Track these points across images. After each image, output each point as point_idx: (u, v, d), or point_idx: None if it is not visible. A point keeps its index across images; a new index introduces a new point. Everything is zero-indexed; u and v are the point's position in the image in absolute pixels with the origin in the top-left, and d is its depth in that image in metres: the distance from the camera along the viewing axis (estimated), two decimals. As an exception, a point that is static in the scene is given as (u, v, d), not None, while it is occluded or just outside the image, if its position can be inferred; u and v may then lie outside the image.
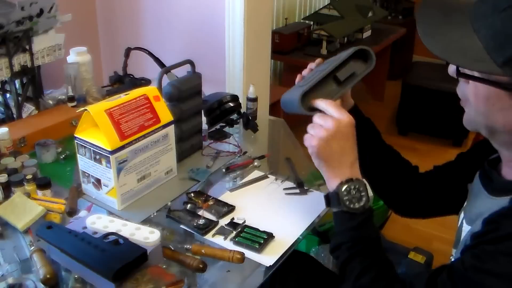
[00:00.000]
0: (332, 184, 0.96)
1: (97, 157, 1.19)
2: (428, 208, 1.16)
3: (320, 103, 0.98)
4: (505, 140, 0.82)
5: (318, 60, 1.13)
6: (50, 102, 1.74)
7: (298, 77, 1.15)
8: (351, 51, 1.02)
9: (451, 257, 1.00)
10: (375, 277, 0.87)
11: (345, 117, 0.94)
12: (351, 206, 0.93)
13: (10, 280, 1.00)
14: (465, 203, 0.98)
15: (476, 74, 0.77)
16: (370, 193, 0.95)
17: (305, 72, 1.14)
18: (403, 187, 1.16)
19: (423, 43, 0.77)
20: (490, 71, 0.73)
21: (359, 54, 1.04)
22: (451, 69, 0.81)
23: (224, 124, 1.69)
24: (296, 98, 1.00)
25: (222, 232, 1.17)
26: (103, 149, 1.17)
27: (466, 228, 0.92)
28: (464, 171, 1.04)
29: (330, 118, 0.94)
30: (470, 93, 0.81)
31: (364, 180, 0.95)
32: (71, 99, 1.74)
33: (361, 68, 1.05)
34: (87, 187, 1.28)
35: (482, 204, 0.87)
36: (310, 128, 0.97)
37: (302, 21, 3.73)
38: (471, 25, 0.75)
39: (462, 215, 0.97)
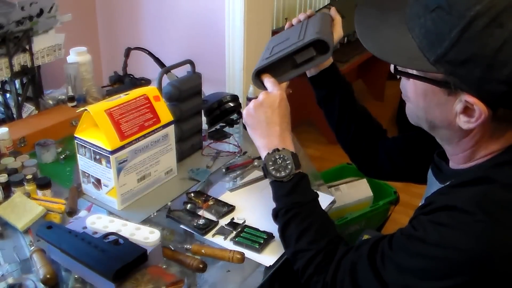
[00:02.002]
0: (262, 155, 1.06)
1: (97, 157, 1.19)
2: (389, 172, 1.24)
3: (265, 80, 1.10)
4: (445, 135, 0.85)
5: (309, 12, 1.24)
6: (50, 102, 1.74)
7: (287, 24, 1.27)
8: (312, 38, 1.07)
9: None
10: (313, 240, 0.95)
11: (274, 91, 1.07)
12: (277, 175, 1.03)
13: (10, 280, 1.00)
14: (424, 192, 1.02)
15: (413, 71, 0.80)
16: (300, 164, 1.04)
17: (294, 21, 1.25)
18: (368, 147, 1.25)
19: (362, 44, 0.80)
20: (425, 69, 0.76)
21: (318, 42, 1.08)
22: (391, 68, 0.84)
23: (224, 124, 1.70)
24: (253, 73, 1.12)
25: (222, 232, 1.17)
26: (103, 149, 1.17)
27: None
28: (423, 145, 1.07)
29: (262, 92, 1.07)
30: (409, 89, 0.84)
31: (291, 150, 1.04)
32: (71, 99, 1.74)
33: (318, 55, 1.09)
34: (87, 187, 1.28)
35: (432, 190, 0.91)
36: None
37: (302, 21, 3.73)
38: (406, 25, 0.78)
39: (421, 203, 1.00)
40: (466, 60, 0.70)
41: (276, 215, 1.04)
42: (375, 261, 0.83)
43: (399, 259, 0.79)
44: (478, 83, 0.71)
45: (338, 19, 1.24)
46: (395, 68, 0.82)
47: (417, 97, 0.82)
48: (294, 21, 1.25)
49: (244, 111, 1.10)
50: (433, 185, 0.94)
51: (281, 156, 1.02)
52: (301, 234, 0.96)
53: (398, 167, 1.20)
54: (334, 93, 1.24)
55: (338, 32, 1.22)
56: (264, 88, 1.10)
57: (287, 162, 1.02)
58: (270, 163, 1.03)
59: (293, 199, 1.01)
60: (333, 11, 1.25)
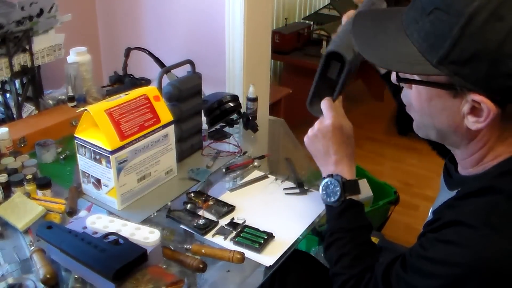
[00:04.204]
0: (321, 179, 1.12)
1: (97, 157, 1.19)
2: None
3: (321, 106, 1.12)
4: (454, 141, 0.84)
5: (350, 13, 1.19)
6: (50, 102, 1.74)
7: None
8: (325, 53, 1.10)
9: None
10: (348, 265, 0.97)
11: (327, 120, 1.09)
12: (327, 200, 1.08)
13: (10, 280, 1.00)
14: (436, 198, 1.03)
15: (415, 77, 0.79)
16: (359, 190, 1.08)
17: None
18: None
19: (362, 55, 0.80)
20: (427, 72, 0.74)
21: (333, 56, 1.10)
22: (393, 77, 0.82)
23: (224, 124, 1.70)
24: (307, 105, 1.17)
25: (222, 232, 1.17)
26: (103, 149, 1.17)
27: None
28: None
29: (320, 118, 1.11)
30: (413, 97, 0.82)
31: (347, 176, 1.08)
32: (71, 99, 1.74)
33: (345, 64, 1.10)
34: (87, 187, 1.28)
35: (442, 197, 0.90)
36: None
37: (302, 21, 3.73)
38: (405, 31, 0.77)
39: (431, 209, 1.00)
40: (470, 58, 0.69)
41: (323, 237, 1.09)
42: (391, 285, 0.84)
43: (413, 281, 0.79)
44: (484, 80, 0.70)
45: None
46: (397, 76, 0.81)
47: (421, 104, 0.81)
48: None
49: (305, 139, 1.14)
50: (443, 190, 0.94)
51: (332, 182, 1.07)
52: (339, 258, 0.99)
53: None
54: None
55: None
56: (321, 112, 1.12)
57: (336, 189, 1.06)
58: (323, 187, 1.09)
59: (339, 224, 1.05)
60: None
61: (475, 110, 0.74)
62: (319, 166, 1.13)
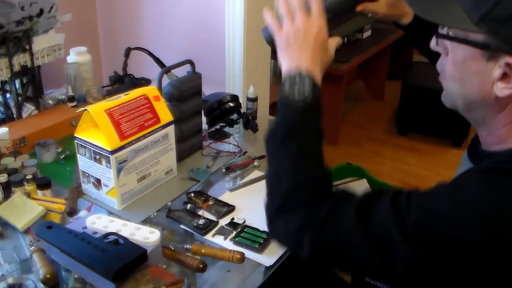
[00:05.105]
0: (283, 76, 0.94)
1: (97, 157, 1.19)
2: None
3: (312, 5, 0.94)
4: (481, 114, 0.84)
5: None
6: (50, 102, 1.74)
7: None
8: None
9: None
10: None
11: (319, 21, 0.93)
12: (292, 93, 0.89)
13: (10, 280, 1.00)
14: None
15: (455, 34, 0.80)
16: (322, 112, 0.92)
17: None
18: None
19: (409, 7, 0.86)
20: (468, 29, 0.76)
21: None
22: (433, 41, 0.85)
23: (224, 124, 1.70)
24: None
25: (222, 232, 1.17)
26: (103, 149, 1.17)
27: None
28: None
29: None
30: (448, 62, 0.84)
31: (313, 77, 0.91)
32: (71, 99, 1.74)
33: None
34: (87, 187, 1.28)
35: (463, 170, 0.89)
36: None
37: (302, 21, 3.73)
38: None
39: None
40: (510, 17, 0.71)
41: (271, 136, 0.93)
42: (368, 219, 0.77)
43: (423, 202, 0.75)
44: None
45: None
46: (437, 33, 0.83)
47: (455, 67, 0.82)
48: None
49: (284, 28, 0.94)
50: (464, 165, 0.92)
51: (303, 77, 0.90)
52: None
53: None
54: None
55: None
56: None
57: (307, 85, 0.89)
58: (288, 79, 0.91)
59: (299, 125, 0.90)
60: None
61: (506, 77, 0.75)
62: (285, 55, 0.93)
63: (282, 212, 0.85)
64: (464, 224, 0.70)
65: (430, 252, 0.71)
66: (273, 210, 0.87)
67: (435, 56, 0.91)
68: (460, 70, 0.81)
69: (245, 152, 1.55)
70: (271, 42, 1.00)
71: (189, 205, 1.24)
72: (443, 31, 0.82)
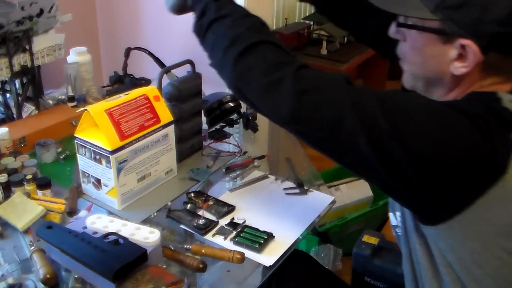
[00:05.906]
0: None
1: (97, 157, 1.19)
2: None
3: None
4: (438, 90, 0.89)
5: None
6: (50, 102, 1.74)
7: None
8: None
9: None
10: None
11: None
12: None
13: (10, 280, 1.00)
14: None
15: (414, 23, 0.86)
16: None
17: None
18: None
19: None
20: (424, 17, 0.82)
21: None
22: (392, 29, 0.91)
23: (224, 124, 1.70)
24: None
25: (222, 232, 1.17)
26: (103, 149, 1.17)
27: None
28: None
29: None
30: (407, 47, 0.90)
31: None
32: (71, 99, 1.74)
33: None
34: (87, 187, 1.28)
35: None
36: None
37: (302, 21, 3.73)
38: None
39: None
40: (463, 3, 0.78)
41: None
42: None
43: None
44: (473, 25, 0.78)
45: None
46: (397, 22, 0.88)
47: (414, 52, 0.88)
48: None
49: None
50: None
51: None
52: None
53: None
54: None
55: None
56: None
57: None
58: None
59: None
60: None
61: (461, 57, 0.81)
62: None
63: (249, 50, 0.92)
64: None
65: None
66: (238, 54, 0.93)
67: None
68: (420, 54, 0.87)
69: (245, 152, 1.55)
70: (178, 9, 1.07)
71: (189, 205, 1.24)
72: (401, 19, 0.88)
